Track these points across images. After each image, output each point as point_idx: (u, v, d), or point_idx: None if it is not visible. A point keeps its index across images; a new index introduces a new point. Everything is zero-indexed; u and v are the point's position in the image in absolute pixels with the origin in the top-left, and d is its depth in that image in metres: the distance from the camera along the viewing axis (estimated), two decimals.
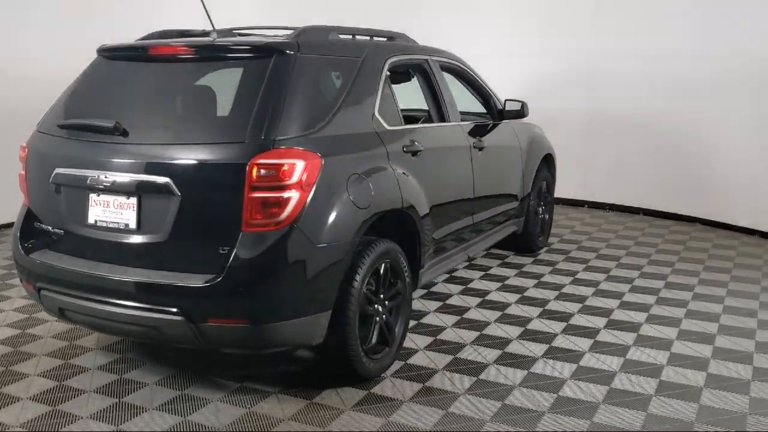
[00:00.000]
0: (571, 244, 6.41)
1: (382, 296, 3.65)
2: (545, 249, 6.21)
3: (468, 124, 4.83)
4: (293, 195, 3.06)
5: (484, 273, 5.47)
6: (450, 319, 4.48)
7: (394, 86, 4.89)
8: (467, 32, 8.48)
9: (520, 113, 5.33)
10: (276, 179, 3.03)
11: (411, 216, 3.85)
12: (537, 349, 4.05)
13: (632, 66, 7.43)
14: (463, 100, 5.46)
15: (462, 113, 5.59)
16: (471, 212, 4.72)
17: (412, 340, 4.13)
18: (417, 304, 4.72)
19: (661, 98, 7.25)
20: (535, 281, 5.28)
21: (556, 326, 4.38)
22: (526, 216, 5.81)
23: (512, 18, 8.28)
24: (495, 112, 5.36)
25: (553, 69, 8.06)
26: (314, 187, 3.14)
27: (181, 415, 3.29)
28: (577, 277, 5.40)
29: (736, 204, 6.87)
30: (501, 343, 4.13)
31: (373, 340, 3.60)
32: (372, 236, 3.56)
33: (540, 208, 6.09)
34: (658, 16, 7.22)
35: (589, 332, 4.29)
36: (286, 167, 3.04)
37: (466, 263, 5.54)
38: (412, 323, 4.37)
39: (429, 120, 4.61)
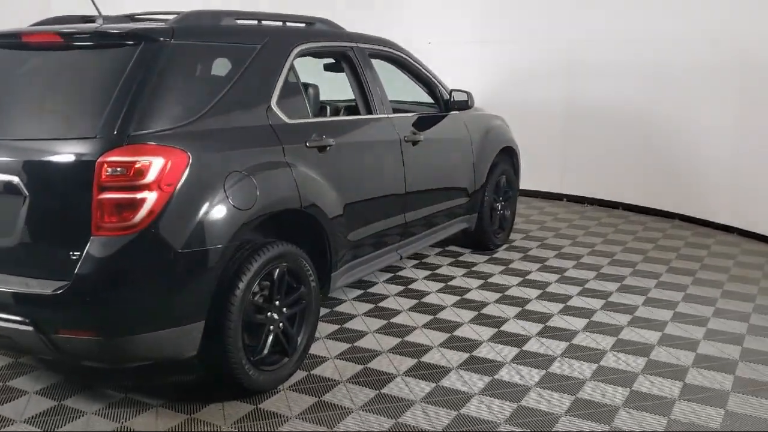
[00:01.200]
0: (535, 241, 6.09)
1: (278, 303, 3.39)
2: (505, 246, 5.89)
3: (401, 117, 4.54)
4: (149, 196, 2.80)
5: (430, 273, 5.19)
6: (375, 324, 4.21)
7: (336, 76, 4.71)
8: (437, 17, 8.17)
9: (465, 104, 5.01)
10: (128, 179, 2.78)
11: (315, 217, 3.58)
12: (456, 358, 3.77)
13: (613, 54, 7.06)
14: (415, 91, 5.19)
15: (412, 103, 5.32)
16: (402, 210, 4.43)
17: (327, 348, 3.88)
18: (347, 307, 4.46)
19: (642, 88, 6.87)
20: (480, 282, 4.98)
21: (485, 332, 4.09)
22: (480, 212, 5.50)
23: (486, 2, 7.93)
24: (441, 103, 5.05)
25: (530, 56, 7.71)
26: (177, 186, 2.88)
27: (43, 430, 3.07)
28: (527, 278, 5.09)
29: (715, 200, 6.48)
30: (419, 351, 3.85)
31: (265, 351, 3.34)
32: (265, 238, 3.30)
33: (498, 204, 5.78)
34: (640, 1, 6.83)
35: (519, 340, 3.99)
36: (139, 165, 2.79)
37: (422, 261, 5.26)
38: (332, 328, 4.11)
39: (357, 112, 4.32)
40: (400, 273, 5.14)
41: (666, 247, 5.90)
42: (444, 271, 5.24)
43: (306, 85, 3.96)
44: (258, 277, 3.23)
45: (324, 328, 4.11)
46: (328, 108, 5.37)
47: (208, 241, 2.99)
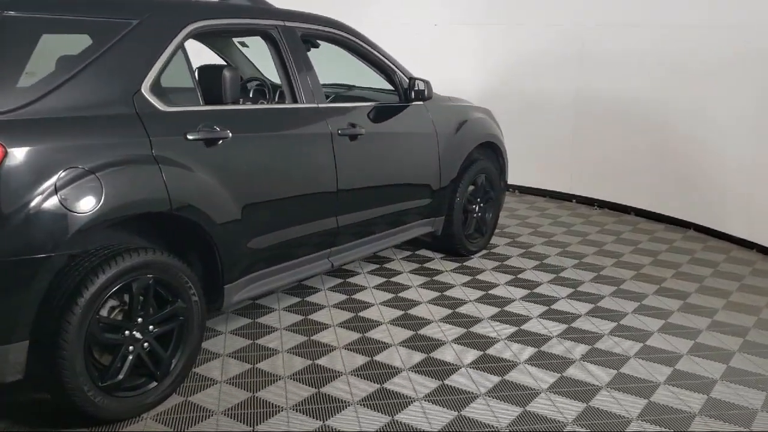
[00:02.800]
0: (519, 248, 5.47)
1: (141, 320, 2.94)
2: (482, 253, 5.29)
3: (336, 107, 4.03)
4: None
5: (384, 281, 4.66)
6: (293, 341, 3.73)
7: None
8: None
9: (422, 94, 4.44)
10: None
11: (193, 221, 3.11)
12: (360, 389, 3.25)
13: (629, 43, 6.30)
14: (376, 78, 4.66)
15: (377, 91, 4.78)
16: (334, 213, 3.91)
17: (225, 368, 3.42)
18: (269, 320, 3.98)
19: (660, 81, 6.08)
20: (434, 295, 4.42)
21: (411, 358, 3.55)
22: (449, 215, 4.92)
23: None
24: (401, 93, 4.49)
25: (540, 43, 6.99)
26: None
27: None
28: (489, 292, 4.50)
29: (733, 210, 5.70)
30: (323, 378, 3.35)
31: (121, 375, 2.90)
32: (126, 244, 2.88)
33: (475, 206, 5.18)
34: None
35: (440, 371, 3.44)
36: None
37: (382, 267, 4.74)
38: (232, 348, 3.65)
39: (282, 100, 3.83)
40: (350, 279, 4.63)
41: (665, 263, 5.19)
42: (401, 279, 4.70)
43: (217, 68, 3.48)
44: (109, 290, 2.79)
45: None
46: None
47: (29, 248, 2.57)
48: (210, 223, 3.16)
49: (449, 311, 4.18)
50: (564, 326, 4.00)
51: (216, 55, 5.24)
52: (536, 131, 7.14)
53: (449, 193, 4.88)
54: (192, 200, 3.07)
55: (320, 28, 4.06)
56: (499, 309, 4.24)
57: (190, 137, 3.11)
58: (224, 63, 3.65)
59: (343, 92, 4.95)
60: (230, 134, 3.26)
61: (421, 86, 4.41)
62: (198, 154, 3.14)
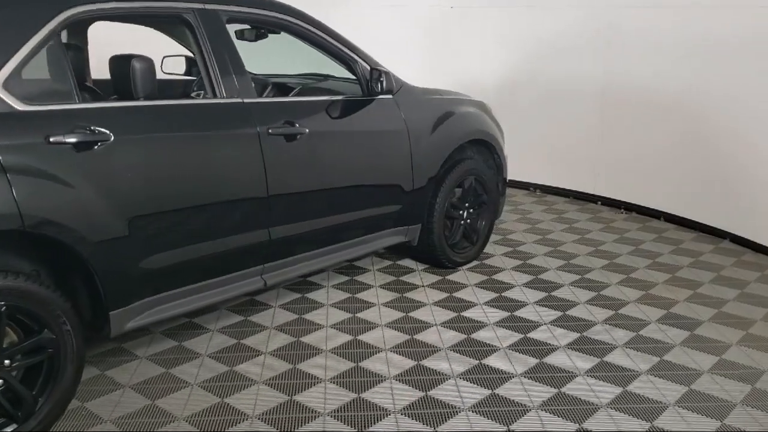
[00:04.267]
0: (515, 259, 4.83)
1: None
2: (471, 264, 4.69)
3: (269, 103, 3.56)
4: None
5: (348, 296, 4.14)
6: (207, 374, 3.26)
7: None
8: None
9: (380, 86, 3.87)
10: None
11: (57, 239, 2.66)
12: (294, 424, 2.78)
13: (663, 25, 5.51)
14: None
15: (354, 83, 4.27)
16: (265, 224, 3.41)
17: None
18: (198, 343, 3.54)
19: (700, 68, 5.28)
20: (397, 316, 3.88)
21: (336, 400, 3.03)
22: (428, 222, 4.35)
23: None
24: (363, 85, 3.94)
25: (564, 26, 6.26)
26: None
27: None
28: (462, 314, 3.92)
29: None
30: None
31: None
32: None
33: (462, 212, 4.59)
34: None
35: (376, 415, 2.90)
36: None
37: (353, 279, 4.22)
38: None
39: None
40: (311, 294, 4.13)
41: (683, 281, 4.46)
42: (365, 296, 4.16)
43: (126, 59, 3.03)
44: None
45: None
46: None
47: None
48: (81, 241, 2.71)
49: (405, 337, 3.63)
50: (531, 361, 3.38)
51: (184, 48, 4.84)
52: (559, 124, 6.43)
53: (427, 197, 4.31)
54: (53, 215, 2.63)
55: (255, 11, 3.55)
56: (465, 336, 3.65)
57: (53, 141, 2.65)
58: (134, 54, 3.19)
59: (312, 84, 4.43)
60: (112, 136, 2.80)
61: (380, 77, 3.83)
62: (65, 160, 2.69)
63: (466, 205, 4.62)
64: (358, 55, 3.92)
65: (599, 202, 6.33)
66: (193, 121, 3.17)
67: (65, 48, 3.12)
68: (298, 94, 4.21)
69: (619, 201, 6.16)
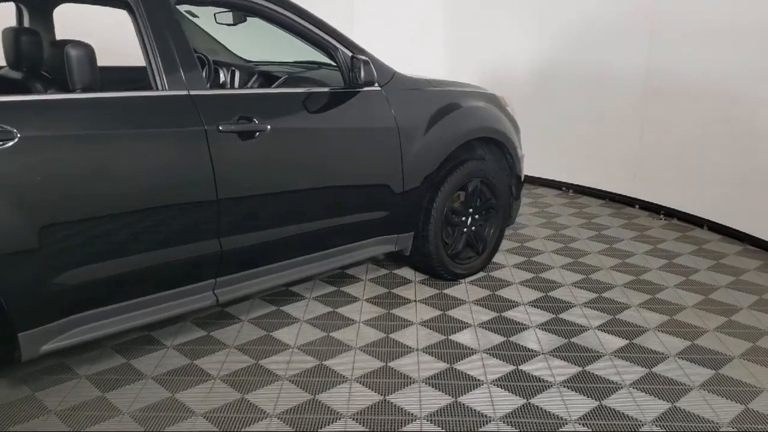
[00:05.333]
0: (527, 271, 4.31)
1: None
2: (476, 276, 4.20)
3: (219, 95, 3.14)
4: None
5: (328, 311, 3.72)
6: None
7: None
8: None
9: (358, 76, 3.41)
10: None
11: None
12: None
13: (715, 6, 4.85)
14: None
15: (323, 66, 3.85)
16: (213, 233, 3.01)
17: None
18: (140, 366, 3.19)
19: (754, 57, 4.63)
20: (377, 337, 3.44)
21: None
22: (423, 229, 3.88)
23: None
24: (346, 75, 3.48)
25: (604, 8, 5.64)
26: None
27: None
28: (451, 338, 3.46)
29: None
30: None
31: None
32: None
33: (466, 218, 4.11)
34: None
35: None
36: None
37: (340, 289, 3.81)
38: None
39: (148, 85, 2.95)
40: (287, 307, 3.73)
41: (716, 305, 3.86)
42: (349, 311, 3.74)
43: (60, 44, 2.68)
44: None
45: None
46: (235, 73, 4.05)
47: None
48: None
49: (377, 365, 3.18)
50: (524, 401, 2.89)
51: None
52: (594, 117, 5.83)
53: (421, 202, 3.84)
54: None
55: None
56: (447, 366, 3.18)
57: None
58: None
59: (300, 74, 4.01)
60: (17, 134, 2.44)
61: (359, 66, 3.37)
62: None
63: (471, 210, 4.12)
64: (339, 41, 3.46)
65: (637, 206, 5.71)
66: (124, 117, 2.78)
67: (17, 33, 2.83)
68: (282, 85, 3.80)
69: (659, 205, 5.53)
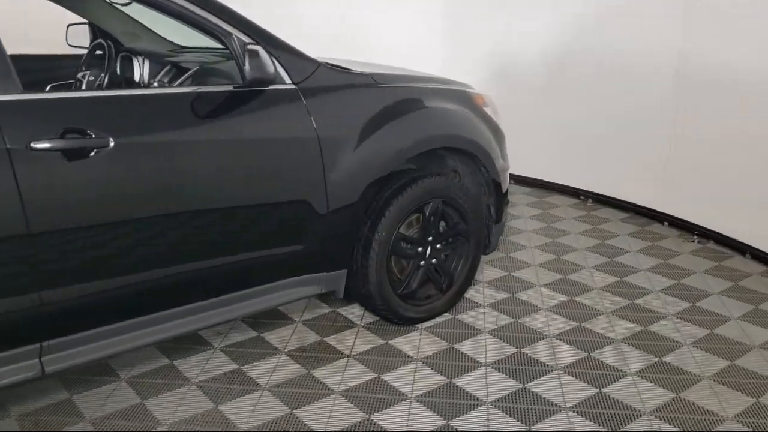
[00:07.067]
0: (507, 315, 3.43)
1: None
2: (440, 319, 3.35)
3: (35, 100, 2.30)
4: None
5: (233, 368, 2.95)
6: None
7: None
8: None
9: (244, 72, 2.58)
10: None
11: None
12: None
13: None
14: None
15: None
16: (28, 284, 2.25)
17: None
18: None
19: None
20: (280, 413, 2.64)
21: None
22: (361, 265, 3.05)
23: None
24: (244, 72, 2.64)
25: None
26: None
27: None
28: (374, 418, 2.62)
29: None
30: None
31: None
32: None
33: (426, 248, 3.26)
34: None
35: None
36: None
37: (261, 335, 3.06)
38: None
39: None
40: (179, 362, 2.97)
41: (741, 377, 2.91)
42: (258, 368, 2.96)
43: None
44: None
45: None
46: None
47: None
48: None
49: None
50: None
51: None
52: (619, 114, 4.85)
53: (354, 232, 3.01)
54: None
55: None
56: None
57: None
58: None
59: (211, 65, 3.22)
60: None
61: (250, 59, 2.54)
62: None
63: (430, 239, 3.26)
64: (233, 25, 2.64)
65: (666, 223, 4.71)
66: None
67: None
68: (193, 78, 3.01)
69: (692, 224, 4.52)
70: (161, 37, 3.87)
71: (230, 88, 2.66)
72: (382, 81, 3.10)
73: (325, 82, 2.86)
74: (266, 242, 2.77)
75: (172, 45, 3.85)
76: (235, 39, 2.62)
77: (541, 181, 5.53)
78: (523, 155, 5.54)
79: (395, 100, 3.07)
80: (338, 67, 3.00)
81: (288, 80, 2.75)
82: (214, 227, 2.62)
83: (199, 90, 2.67)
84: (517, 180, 5.65)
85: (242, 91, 2.65)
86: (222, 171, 2.58)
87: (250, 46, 2.54)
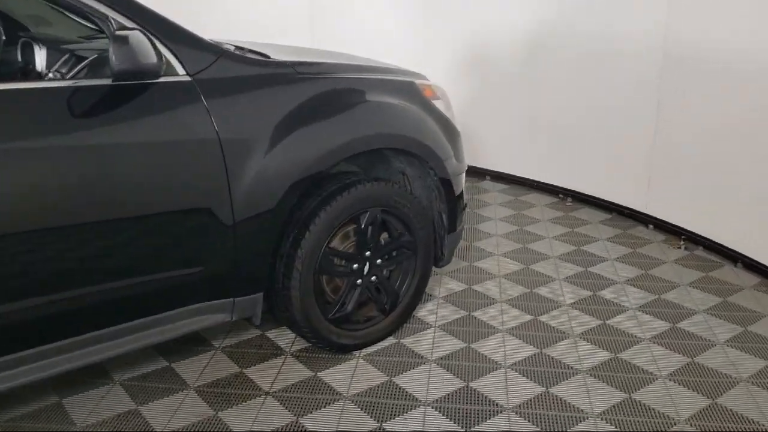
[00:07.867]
0: (457, 339, 3.00)
1: None
2: (382, 344, 2.92)
3: None
4: None
5: (127, 410, 2.52)
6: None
7: None
8: None
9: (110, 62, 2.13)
10: None
11: None
12: None
13: None
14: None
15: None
16: None
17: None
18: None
19: None
20: None
21: None
22: (284, 287, 2.61)
23: None
24: (110, 62, 2.18)
25: None
26: None
27: None
28: None
29: None
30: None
31: None
32: None
33: (363, 264, 2.82)
34: None
35: None
36: None
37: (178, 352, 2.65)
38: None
39: None
40: (68, 402, 2.55)
41: (728, 417, 2.47)
42: (153, 410, 2.53)
43: None
44: None
45: None
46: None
47: None
48: None
49: None
50: None
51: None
52: (600, 104, 4.39)
53: (275, 247, 2.57)
54: None
55: None
56: None
57: None
58: None
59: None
60: None
61: (117, 47, 2.10)
62: None
63: (368, 253, 2.82)
64: (113, 7, 2.19)
65: (651, 227, 4.26)
66: None
67: None
68: (89, 68, 2.56)
69: (679, 228, 4.07)
70: (78, 21, 3.41)
71: (110, 81, 2.22)
72: (306, 71, 2.64)
73: (229, 73, 2.41)
74: (156, 263, 2.33)
75: (89, 31, 3.40)
76: (112, 23, 2.17)
77: (519, 177, 5.08)
78: (499, 150, 5.11)
79: (319, 92, 2.62)
80: (251, 54, 2.55)
81: (182, 71, 2.30)
82: (89, 247, 2.18)
83: (76, 84, 2.23)
84: (493, 176, 5.21)
85: (124, 86, 2.21)
86: (101, 179, 2.14)
87: (118, 32, 2.09)
